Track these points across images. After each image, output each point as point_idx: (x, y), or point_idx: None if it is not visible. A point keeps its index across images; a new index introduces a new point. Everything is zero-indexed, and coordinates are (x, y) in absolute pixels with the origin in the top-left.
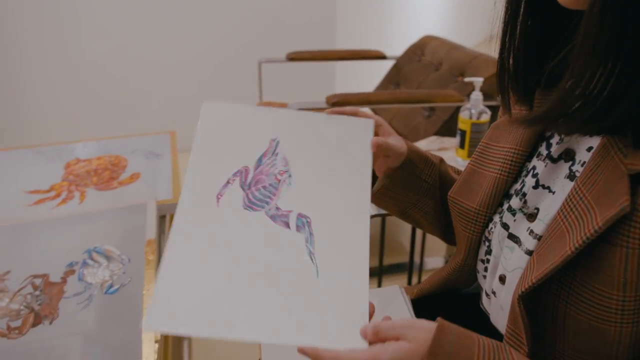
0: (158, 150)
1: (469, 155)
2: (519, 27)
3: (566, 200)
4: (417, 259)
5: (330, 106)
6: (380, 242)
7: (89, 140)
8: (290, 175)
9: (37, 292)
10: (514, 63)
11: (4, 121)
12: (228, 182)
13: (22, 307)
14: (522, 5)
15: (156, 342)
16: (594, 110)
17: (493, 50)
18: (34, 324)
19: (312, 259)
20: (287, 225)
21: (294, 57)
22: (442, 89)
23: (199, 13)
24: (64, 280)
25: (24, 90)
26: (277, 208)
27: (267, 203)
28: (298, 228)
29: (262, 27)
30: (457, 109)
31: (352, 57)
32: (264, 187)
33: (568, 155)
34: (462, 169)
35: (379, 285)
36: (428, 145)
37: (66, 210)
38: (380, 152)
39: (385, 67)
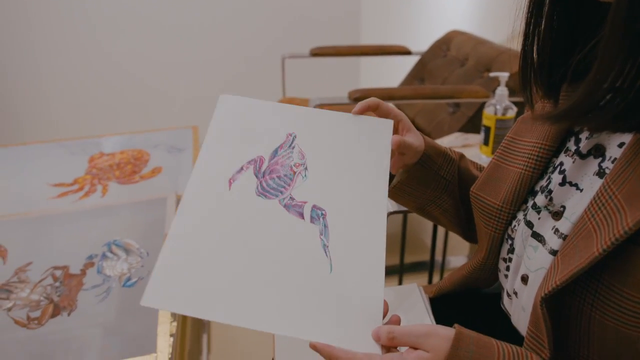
0: (180, 144)
1: (493, 152)
2: (543, 19)
3: (594, 198)
4: (439, 258)
5: (353, 101)
6: (401, 239)
7: (113, 135)
8: (306, 168)
9: (57, 284)
10: (539, 56)
11: (25, 118)
12: (242, 169)
13: (42, 298)
14: None
15: (171, 335)
16: (624, 105)
17: (519, 45)
18: (53, 315)
19: (326, 253)
20: (302, 215)
21: (317, 53)
22: (467, 84)
23: (222, 10)
24: (83, 273)
25: (44, 88)
26: (292, 198)
27: (281, 192)
28: (312, 220)
29: (286, 22)
30: (482, 105)
31: (377, 52)
32: (279, 177)
33: (598, 151)
34: (485, 165)
35: (400, 284)
36: (452, 141)
37: (88, 204)
38: (397, 149)
39: (410, 62)
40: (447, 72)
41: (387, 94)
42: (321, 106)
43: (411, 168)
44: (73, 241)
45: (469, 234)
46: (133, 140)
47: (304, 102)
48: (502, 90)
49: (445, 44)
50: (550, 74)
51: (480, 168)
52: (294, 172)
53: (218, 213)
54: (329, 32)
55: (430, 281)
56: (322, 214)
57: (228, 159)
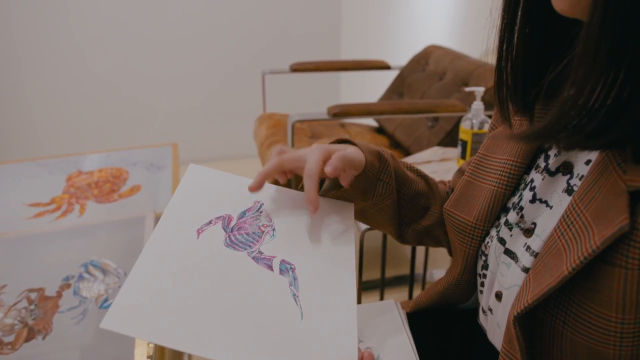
0: (160, 162)
1: None
2: (516, 37)
3: (563, 216)
4: (420, 271)
5: (332, 117)
6: (382, 253)
7: (91, 153)
8: (274, 229)
9: (32, 307)
10: (513, 74)
11: (6, 134)
12: (210, 222)
13: (16, 322)
14: (519, 14)
15: (149, 357)
16: (595, 125)
17: (494, 61)
18: (27, 339)
19: (296, 302)
20: (271, 268)
21: (297, 68)
22: (445, 98)
23: (203, 25)
24: (59, 294)
25: (27, 104)
26: (260, 252)
27: (249, 246)
28: (282, 272)
29: (266, 38)
30: (460, 119)
31: (356, 67)
32: (247, 234)
33: (566, 168)
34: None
35: (381, 298)
36: (430, 155)
37: (65, 223)
38: (342, 164)
39: (390, 77)
40: (425, 86)
41: (365, 110)
42: (300, 127)
43: (354, 180)
44: (49, 262)
45: (402, 235)
46: (112, 158)
47: (284, 118)
48: (477, 105)
49: (423, 59)
50: (524, 92)
51: (410, 168)
52: (262, 231)
53: (186, 253)
54: (309, 48)
55: (410, 295)
56: (291, 267)
57: (196, 213)
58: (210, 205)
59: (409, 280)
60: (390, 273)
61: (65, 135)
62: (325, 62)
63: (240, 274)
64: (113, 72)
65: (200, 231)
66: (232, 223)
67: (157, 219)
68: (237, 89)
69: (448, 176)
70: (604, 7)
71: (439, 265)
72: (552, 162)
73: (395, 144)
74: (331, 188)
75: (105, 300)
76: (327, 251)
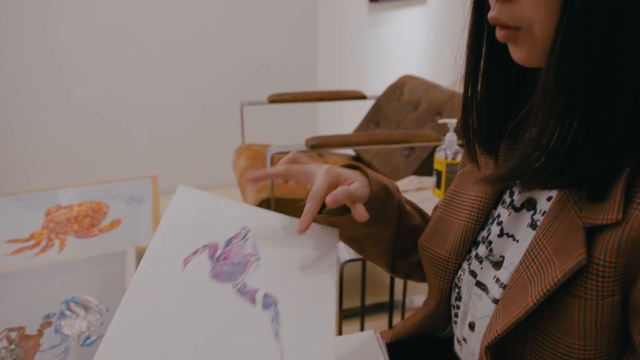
0: (140, 195)
1: None
2: (480, 84)
3: (528, 250)
4: (400, 297)
5: (310, 148)
6: (361, 281)
7: (70, 187)
8: (258, 259)
9: (12, 346)
10: (478, 118)
11: None
12: (197, 251)
13: None
14: (482, 62)
15: None
16: (554, 167)
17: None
18: None
19: (276, 340)
20: (254, 301)
21: (275, 99)
22: (420, 128)
23: (182, 57)
24: (40, 333)
25: (3, 137)
26: (244, 284)
27: (235, 278)
28: (264, 307)
29: (245, 70)
30: (436, 148)
31: (333, 97)
32: (232, 264)
33: (530, 204)
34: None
35: (362, 325)
36: (407, 185)
37: (45, 260)
38: (346, 200)
39: (366, 106)
40: (401, 116)
41: (342, 141)
42: (279, 156)
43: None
44: (29, 300)
45: (394, 267)
46: (91, 191)
47: (263, 148)
48: (450, 136)
49: (398, 89)
50: (489, 135)
51: (408, 202)
52: (247, 261)
53: (171, 291)
54: (287, 79)
55: (390, 321)
56: (273, 302)
57: (183, 241)
58: (197, 231)
59: (388, 307)
60: (370, 300)
61: (43, 169)
62: (302, 93)
63: (224, 310)
64: (90, 104)
65: (186, 261)
66: (218, 252)
67: (138, 253)
68: (216, 120)
69: (424, 205)
70: (557, 60)
71: (417, 292)
72: (517, 199)
73: None
74: (336, 212)
75: (87, 337)
76: (310, 281)
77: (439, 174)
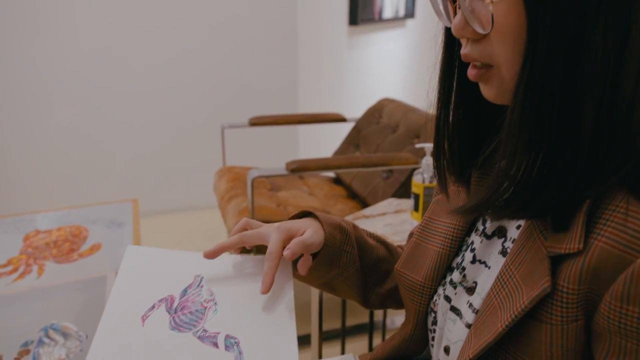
0: (120, 219)
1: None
2: (451, 116)
3: (498, 276)
4: (380, 318)
5: (290, 172)
6: (342, 303)
7: (49, 211)
8: (215, 303)
9: None
10: (450, 149)
11: None
12: (154, 306)
13: None
14: (453, 96)
15: None
16: (521, 199)
17: None
18: None
19: None
20: (216, 345)
21: (256, 122)
22: (398, 150)
23: (162, 80)
24: None
25: None
26: (205, 330)
27: (194, 326)
28: (227, 348)
29: (226, 92)
30: (414, 171)
31: (313, 120)
32: (190, 312)
33: (501, 232)
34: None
35: (343, 348)
36: (386, 207)
37: (23, 286)
38: (302, 250)
39: (346, 129)
40: (380, 139)
41: (322, 165)
42: (260, 181)
43: (318, 255)
44: (6, 327)
45: (367, 300)
46: (70, 216)
47: (244, 171)
48: (427, 160)
49: (377, 112)
50: (461, 165)
51: (371, 235)
52: (205, 307)
53: (132, 345)
54: (268, 102)
55: (370, 343)
56: (235, 342)
57: (139, 298)
58: (152, 287)
59: (368, 329)
60: (350, 322)
61: (21, 193)
62: (283, 115)
63: (187, 356)
64: (70, 125)
65: (144, 318)
66: (175, 303)
67: None
68: (197, 142)
69: (403, 228)
70: (522, 100)
71: (398, 312)
72: (489, 227)
73: (352, 195)
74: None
75: None
76: (269, 317)
77: (416, 197)
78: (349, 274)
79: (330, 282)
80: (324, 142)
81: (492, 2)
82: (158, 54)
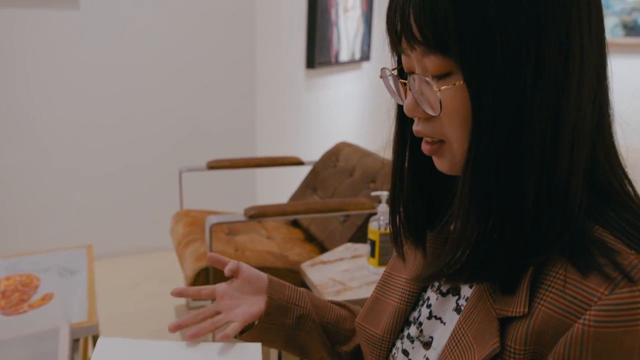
0: (73, 266)
1: (380, 263)
2: (405, 184)
3: (452, 333)
4: None
5: (249, 219)
6: None
7: None
8: None
9: None
10: (405, 213)
11: None
12: None
13: None
14: (406, 164)
15: None
16: (472, 267)
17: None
18: None
19: None
20: None
21: (214, 166)
22: (355, 195)
23: (117, 124)
24: None
25: None
26: None
27: None
28: None
29: (183, 135)
30: (370, 216)
31: (271, 164)
32: None
33: (455, 290)
34: (375, 277)
35: None
36: (343, 253)
37: None
38: (235, 274)
39: (303, 172)
40: (337, 182)
41: (280, 211)
42: (218, 225)
43: (268, 306)
44: None
45: (340, 358)
46: (20, 263)
47: (201, 215)
48: (383, 207)
49: (334, 155)
50: (417, 231)
51: (331, 301)
52: None
53: None
54: (226, 145)
55: None
56: None
57: None
58: None
59: None
60: None
61: None
62: (241, 159)
63: None
64: (18, 167)
65: None
66: None
67: (72, 330)
68: (154, 187)
69: (360, 273)
70: (471, 176)
71: None
72: (444, 284)
73: (310, 238)
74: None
75: None
76: None
77: (372, 243)
78: (307, 328)
79: (294, 338)
80: (282, 185)
81: (439, 90)
82: (115, 94)
